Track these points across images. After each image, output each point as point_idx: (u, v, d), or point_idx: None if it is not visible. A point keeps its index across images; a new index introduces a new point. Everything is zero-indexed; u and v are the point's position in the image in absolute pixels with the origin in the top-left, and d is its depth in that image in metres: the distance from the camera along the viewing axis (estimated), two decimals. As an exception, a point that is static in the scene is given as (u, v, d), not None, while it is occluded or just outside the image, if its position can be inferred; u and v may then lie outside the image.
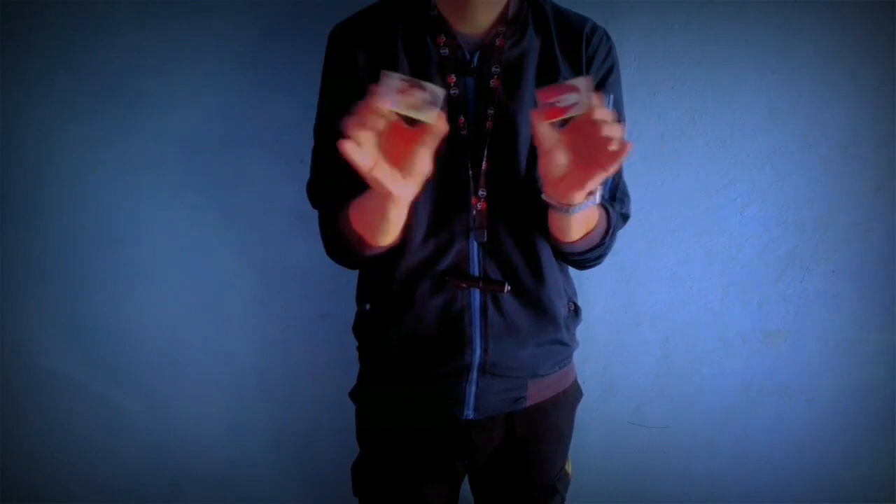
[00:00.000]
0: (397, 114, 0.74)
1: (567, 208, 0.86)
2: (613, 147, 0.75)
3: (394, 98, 0.72)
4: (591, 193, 0.84)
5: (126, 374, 1.46)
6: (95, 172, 1.32)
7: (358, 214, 0.89)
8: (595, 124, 0.76)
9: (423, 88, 0.72)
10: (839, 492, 1.54)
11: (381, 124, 0.74)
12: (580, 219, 0.89)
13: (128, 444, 1.51)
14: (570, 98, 0.76)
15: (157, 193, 1.34)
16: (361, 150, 0.72)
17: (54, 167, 1.32)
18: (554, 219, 0.91)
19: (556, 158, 0.81)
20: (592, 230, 0.94)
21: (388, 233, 0.88)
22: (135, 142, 1.30)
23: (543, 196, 0.88)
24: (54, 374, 1.45)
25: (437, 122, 0.74)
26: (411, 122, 0.75)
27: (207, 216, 1.36)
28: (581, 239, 0.94)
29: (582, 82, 0.76)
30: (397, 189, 0.78)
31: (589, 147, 0.78)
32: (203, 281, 1.40)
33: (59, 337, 1.44)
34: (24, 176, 1.33)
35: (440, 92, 0.73)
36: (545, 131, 0.79)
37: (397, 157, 0.77)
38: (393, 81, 0.72)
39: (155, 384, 1.47)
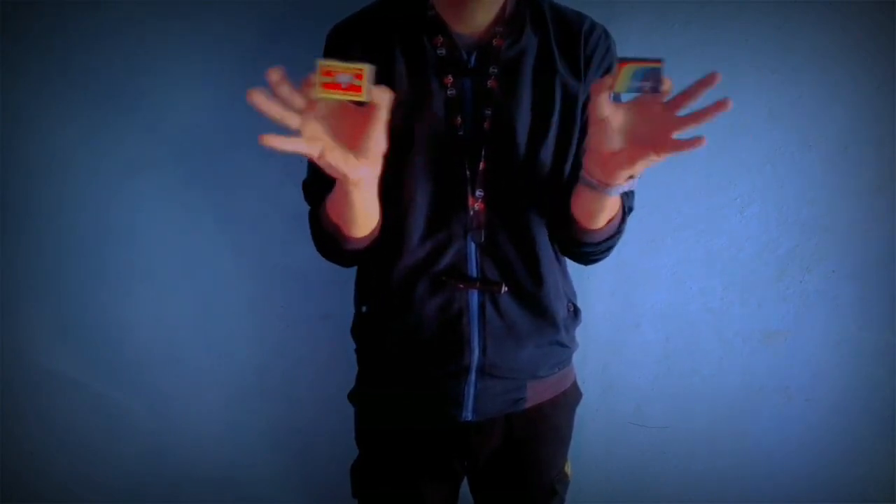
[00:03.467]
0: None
1: (606, 188, 0.83)
2: (678, 135, 0.73)
3: (318, 86, 0.70)
4: (632, 176, 0.82)
5: (126, 374, 1.46)
6: (95, 173, 1.32)
7: (331, 205, 0.89)
8: (667, 107, 0.74)
9: (344, 70, 0.70)
10: (839, 492, 1.54)
11: (323, 111, 0.73)
12: (610, 203, 0.88)
13: (128, 444, 1.51)
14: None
15: (156, 194, 1.34)
16: (302, 140, 0.72)
17: (54, 168, 1.32)
18: (585, 202, 0.89)
19: (610, 132, 0.79)
20: (614, 217, 0.93)
21: (359, 221, 0.88)
22: (134, 142, 1.30)
23: (583, 174, 0.86)
24: (54, 374, 1.45)
25: (370, 97, 0.71)
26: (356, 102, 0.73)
27: (207, 217, 1.36)
28: (604, 227, 0.93)
29: (662, 61, 0.73)
30: (352, 171, 0.77)
31: (650, 128, 0.76)
32: (203, 281, 1.40)
33: (59, 337, 1.44)
34: (24, 177, 1.33)
35: (365, 66, 0.70)
36: (603, 101, 0.76)
37: (351, 138, 0.76)
38: (318, 68, 0.70)
39: (155, 384, 1.47)
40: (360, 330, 1.09)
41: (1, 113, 1.28)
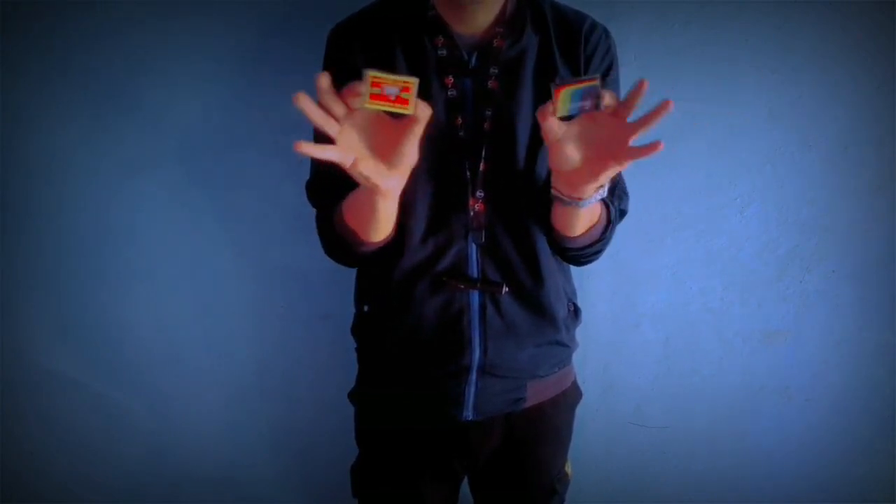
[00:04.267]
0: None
1: (576, 202, 0.85)
2: (634, 142, 0.74)
3: (366, 96, 0.70)
4: (600, 186, 0.83)
5: (126, 374, 1.46)
6: (95, 173, 1.32)
7: (350, 210, 0.89)
8: (615, 117, 0.75)
9: (393, 82, 0.70)
10: (839, 492, 1.54)
11: (360, 120, 0.74)
12: (585, 213, 0.89)
13: (128, 444, 1.51)
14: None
15: (156, 194, 1.34)
16: (337, 148, 0.72)
17: (54, 168, 1.32)
18: (560, 213, 0.90)
19: (567, 151, 0.80)
20: (595, 225, 0.94)
21: (380, 227, 0.88)
22: (135, 142, 1.30)
23: (552, 190, 0.87)
24: (54, 374, 1.45)
25: (415, 111, 0.72)
26: (395, 114, 0.74)
27: (207, 216, 1.36)
28: (584, 234, 0.93)
29: (598, 78, 0.74)
30: (383, 182, 0.77)
31: (605, 140, 0.77)
32: (203, 281, 1.40)
33: (59, 337, 1.44)
34: (25, 177, 1.33)
35: (413, 80, 0.71)
36: (551, 125, 0.77)
37: (383, 148, 0.76)
38: (367, 79, 0.70)
39: (155, 384, 1.47)
40: (361, 329, 1.09)
41: (1, 113, 1.28)
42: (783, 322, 1.42)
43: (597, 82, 0.74)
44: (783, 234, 1.36)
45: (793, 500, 1.55)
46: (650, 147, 0.73)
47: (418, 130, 0.75)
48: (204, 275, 1.39)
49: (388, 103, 0.71)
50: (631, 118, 0.75)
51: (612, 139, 0.76)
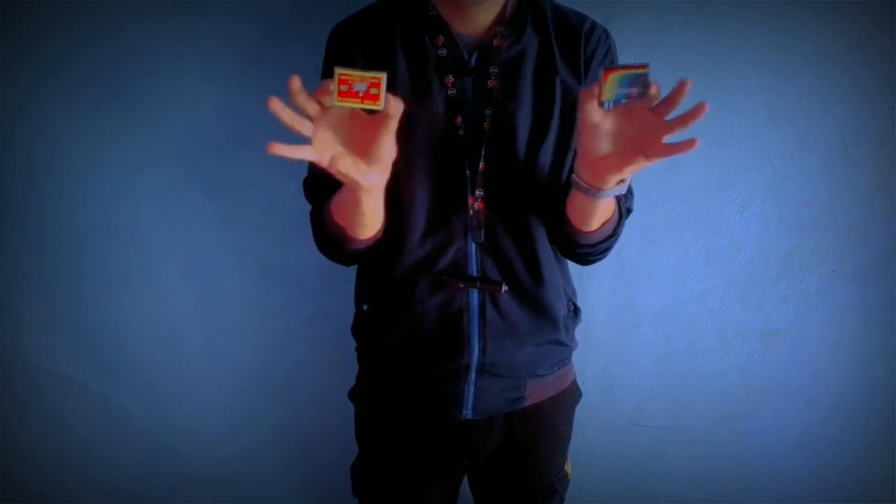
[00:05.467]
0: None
1: (596, 192, 0.84)
2: (669, 139, 0.74)
3: (335, 94, 0.70)
4: (622, 180, 0.83)
5: (126, 374, 1.46)
6: (96, 172, 1.32)
7: (337, 207, 0.89)
8: (652, 113, 0.75)
9: (361, 79, 0.70)
10: (839, 492, 1.54)
11: (334, 118, 0.74)
12: (602, 206, 0.88)
13: (128, 444, 1.51)
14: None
15: (157, 193, 1.34)
16: (311, 148, 0.72)
17: (55, 167, 1.32)
18: (578, 204, 0.90)
19: (600, 139, 0.80)
20: (609, 220, 0.94)
21: (366, 224, 0.88)
22: (135, 142, 1.31)
23: (574, 177, 0.86)
24: (54, 374, 1.45)
25: (385, 107, 0.72)
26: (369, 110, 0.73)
27: (207, 216, 1.36)
28: (599, 229, 0.93)
29: (647, 66, 0.74)
30: (363, 179, 0.77)
31: (638, 134, 0.77)
32: (203, 281, 1.40)
33: (59, 337, 1.44)
34: (25, 176, 1.33)
35: (382, 75, 0.70)
36: (592, 109, 0.77)
37: (360, 145, 0.76)
38: (336, 76, 0.70)
39: (155, 384, 1.47)
40: (361, 329, 1.09)
41: (1, 113, 1.28)
42: (783, 322, 1.41)
43: (646, 70, 0.73)
44: (783, 234, 1.36)
45: (793, 500, 1.55)
46: (686, 144, 0.72)
47: (392, 125, 0.75)
48: (204, 274, 1.39)
49: (357, 100, 0.71)
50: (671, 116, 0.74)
51: (644, 134, 0.76)
